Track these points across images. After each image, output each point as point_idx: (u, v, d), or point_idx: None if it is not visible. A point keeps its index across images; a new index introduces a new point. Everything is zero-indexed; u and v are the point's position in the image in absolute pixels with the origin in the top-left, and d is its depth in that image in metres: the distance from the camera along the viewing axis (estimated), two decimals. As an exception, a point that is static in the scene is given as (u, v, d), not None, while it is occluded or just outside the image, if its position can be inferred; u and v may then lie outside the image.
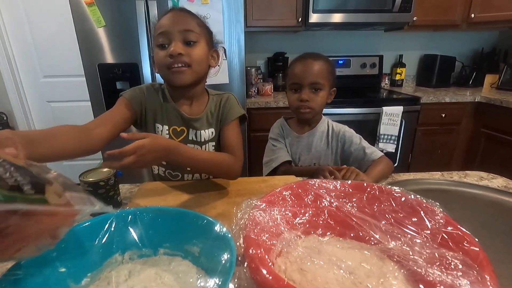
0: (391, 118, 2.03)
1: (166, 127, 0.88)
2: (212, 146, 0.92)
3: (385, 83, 2.71)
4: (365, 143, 1.03)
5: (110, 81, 1.74)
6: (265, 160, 1.10)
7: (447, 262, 0.36)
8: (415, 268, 0.38)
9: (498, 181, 0.88)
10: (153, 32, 0.81)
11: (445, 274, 0.35)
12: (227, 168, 0.81)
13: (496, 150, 2.03)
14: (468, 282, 0.33)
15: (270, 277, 0.35)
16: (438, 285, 0.34)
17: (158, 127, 0.88)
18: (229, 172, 0.82)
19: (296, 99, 1.01)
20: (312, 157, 1.09)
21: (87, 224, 0.48)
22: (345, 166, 0.87)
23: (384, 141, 2.08)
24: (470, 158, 2.24)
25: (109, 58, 1.71)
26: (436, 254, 0.38)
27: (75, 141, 0.67)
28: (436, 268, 0.36)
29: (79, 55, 1.68)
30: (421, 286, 0.37)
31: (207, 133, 0.89)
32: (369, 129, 2.08)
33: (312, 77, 0.97)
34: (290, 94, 1.03)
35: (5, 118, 2.47)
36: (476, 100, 2.12)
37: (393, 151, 2.09)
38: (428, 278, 0.36)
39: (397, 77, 2.64)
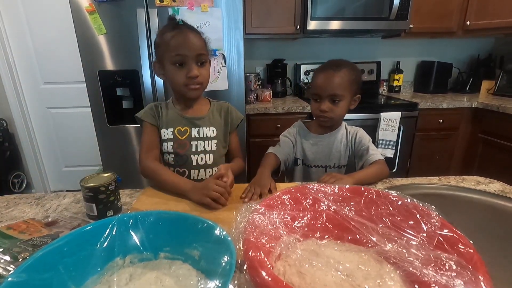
0: (389, 123, 2.04)
1: (171, 129, 1.02)
2: (215, 143, 1.04)
3: (383, 89, 2.73)
4: (371, 145, 1.06)
5: (110, 87, 1.75)
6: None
7: (442, 263, 0.37)
8: (411, 269, 0.39)
9: (495, 186, 0.89)
10: (163, 46, 0.92)
11: (439, 274, 0.36)
12: (242, 171, 1.09)
13: (494, 155, 2.05)
14: (462, 282, 0.33)
15: (270, 279, 0.36)
16: (433, 285, 0.35)
17: (163, 132, 1.02)
18: (242, 172, 1.08)
19: (316, 108, 1.05)
20: (333, 158, 1.12)
21: (89, 228, 0.49)
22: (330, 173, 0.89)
23: (383, 146, 2.09)
24: (468, 163, 2.26)
25: (109, 65, 1.72)
26: (432, 255, 0.39)
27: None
28: (431, 269, 0.37)
29: (80, 62, 1.69)
30: (416, 286, 0.38)
31: (209, 130, 1.03)
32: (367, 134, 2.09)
33: (332, 89, 1.00)
34: (312, 102, 1.08)
35: (5, 125, 2.48)
36: (473, 106, 2.14)
37: (392, 156, 2.10)
38: (424, 279, 0.37)
39: (395, 83, 2.67)
